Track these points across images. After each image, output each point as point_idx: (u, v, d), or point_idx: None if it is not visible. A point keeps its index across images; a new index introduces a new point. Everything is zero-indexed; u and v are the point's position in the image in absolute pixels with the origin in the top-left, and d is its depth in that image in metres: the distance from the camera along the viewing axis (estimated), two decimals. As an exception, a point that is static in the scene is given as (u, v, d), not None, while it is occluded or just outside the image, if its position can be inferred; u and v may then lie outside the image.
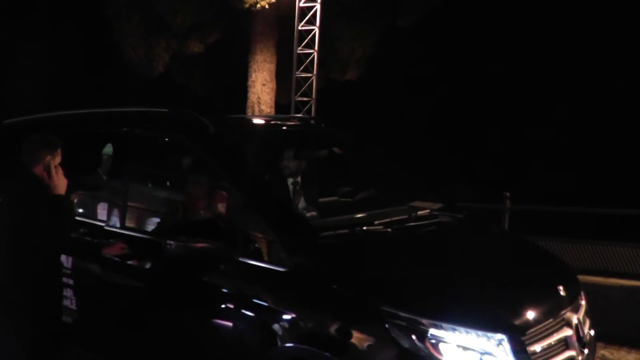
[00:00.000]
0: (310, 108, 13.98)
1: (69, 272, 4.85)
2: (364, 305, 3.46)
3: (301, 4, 13.60)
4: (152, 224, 4.57)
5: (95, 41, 18.45)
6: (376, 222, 4.15)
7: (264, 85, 14.34)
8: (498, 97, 20.27)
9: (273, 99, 14.62)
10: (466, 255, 4.17)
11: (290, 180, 5.27)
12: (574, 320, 3.86)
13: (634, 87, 18.68)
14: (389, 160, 5.32)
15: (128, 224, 4.57)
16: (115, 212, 4.67)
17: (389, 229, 4.11)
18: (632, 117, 18.68)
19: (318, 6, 13.53)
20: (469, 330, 3.34)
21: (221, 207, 4.44)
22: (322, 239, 3.86)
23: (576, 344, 3.82)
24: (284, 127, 5.41)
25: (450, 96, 20.89)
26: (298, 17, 13.69)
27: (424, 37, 18.23)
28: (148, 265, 4.40)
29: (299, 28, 13.77)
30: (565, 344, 3.76)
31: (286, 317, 3.63)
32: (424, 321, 3.33)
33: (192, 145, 4.42)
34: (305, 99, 14.00)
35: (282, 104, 15.01)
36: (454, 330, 3.33)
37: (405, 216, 4.40)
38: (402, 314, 3.35)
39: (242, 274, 3.85)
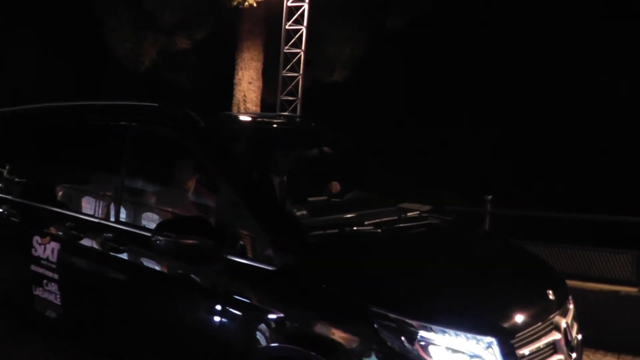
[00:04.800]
0: (295, 107, 14.00)
1: (53, 266, 4.81)
2: (352, 306, 3.43)
3: (289, 4, 13.60)
4: (143, 218, 4.52)
5: (83, 34, 18.33)
6: (366, 223, 4.13)
7: (250, 83, 14.37)
8: (488, 99, 20.34)
9: (259, 97, 14.64)
10: (455, 257, 4.16)
11: (277, 179, 5.23)
12: (563, 324, 3.85)
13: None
14: (378, 161, 5.30)
15: (120, 217, 4.54)
16: (106, 205, 4.63)
17: (379, 230, 4.09)
18: (622, 123, 18.82)
19: (306, 6, 13.53)
20: (458, 332, 3.32)
21: (210, 204, 4.40)
22: (311, 238, 3.83)
23: (564, 348, 3.81)
24: (275, 125, 5.38)
25: (439, 99, 20.93)
26: (286, 16, 13.69)
27: (412, 39, 18.26)
28: (137, 261, 4.35)
29: (287, 27, 13.76)
30: (553, 347, 3.76)
31: (273, 316, 3.59)
32: (414, 323, 3.30)
33: (182, 139, 4.37)
34: (290, 98, 14.03)
35: (267, 103, 15.00)
36: (444, 332, 3.31)
37: (395, 217, 4.38)
38: (391, 315, 3.32)
39: (229, 272, 3.82)
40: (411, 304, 3.42)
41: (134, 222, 4.55)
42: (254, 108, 14.34)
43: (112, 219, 4.56)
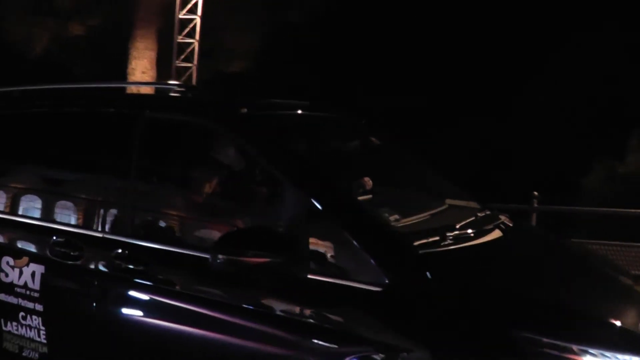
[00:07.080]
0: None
1: (35, 295, 3.76)
2: (492, 330, 2.81)
3: (182, -7, 13.32)
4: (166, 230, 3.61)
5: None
6: (457, 226, 3.47)
7: (143, 73, 13.78)
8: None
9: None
10: (556, 265, 3.64)
11: None
12: None
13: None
14: (408, 152, 4.66)
15: (133, 230, 3.59)
16: (116, 217, 3.66)
17: (472, 234, 3.45)
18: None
19: (200, -5, 13.21)
20: (617, 355, 2.79)
21: (263, 210, 3.56)
22: (418, 247, 3.13)
23: None
24: (319, 114, 4.53)
25: (347, 92, 20.58)
26: (179, 5, 13.40)
27: (315, 31, 17.90)
28: (175, 286, 3.42)
29: (180, 17, 13.48)
30: None
31: (383, 347, 2.85)
32: (574, 348, 2.74)
33: (225, 132, 3.49)
34: (184, 88, 13.48)
35: (161, 93, 14.27)
36: (604, 356, 2.77)
37: (472, 218, 3.75)
38: (545, 340, 2.74)
39: (313, 295, 3.03)
40: (565, 326, 2.86)
41: (151, 235, 3.61)
42: (147, 100, 13.56)
43: (122, 232, 3.58)
